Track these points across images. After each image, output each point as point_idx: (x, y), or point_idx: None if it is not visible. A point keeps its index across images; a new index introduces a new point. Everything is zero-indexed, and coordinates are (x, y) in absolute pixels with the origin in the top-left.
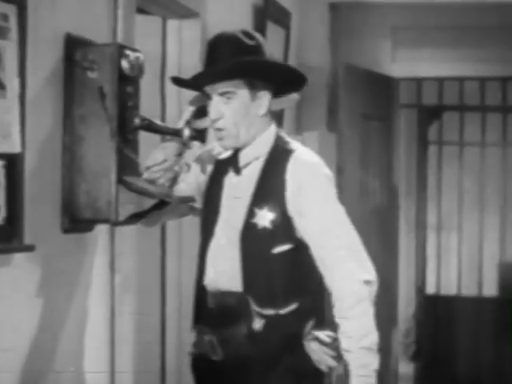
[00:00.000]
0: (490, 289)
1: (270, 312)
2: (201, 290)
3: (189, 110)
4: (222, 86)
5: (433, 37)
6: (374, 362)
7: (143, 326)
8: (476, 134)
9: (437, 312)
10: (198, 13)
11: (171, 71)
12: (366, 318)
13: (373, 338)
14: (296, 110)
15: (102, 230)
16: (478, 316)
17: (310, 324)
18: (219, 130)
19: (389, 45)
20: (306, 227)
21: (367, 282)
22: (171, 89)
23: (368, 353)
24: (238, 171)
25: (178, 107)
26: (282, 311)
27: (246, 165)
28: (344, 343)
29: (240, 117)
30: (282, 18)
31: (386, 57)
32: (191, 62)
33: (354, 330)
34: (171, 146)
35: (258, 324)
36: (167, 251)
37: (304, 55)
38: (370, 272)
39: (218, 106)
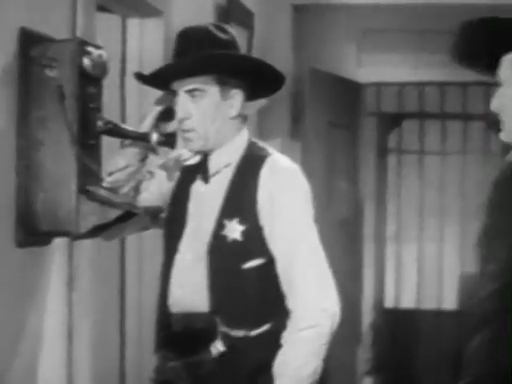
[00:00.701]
0: (451, 302)
1: (239, 333)
2: (164, 312)
3: (154, 111)
4: (190, 83)
5: (398, 41)
6: None
7: (102, 347)
8: (436, 142)
9: (396, 326)
10: (161, 11)
11: (132, 72)
12: (311, 347)
13: (311, 367)
14: (257, 116)
15: (58, 243)
16: (437, 330)
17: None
18: (186, 130)
19: (354, 49)
20: (273, 238)
21: (327, 311)
22: (132, 90)
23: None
24: (206, 179)
25: (139, 110)
26: (253, 333)
27: (216, 172)
28: (278, 366)
29: (209, 117)
30: (246, 20)
31: (352, 61)
32: (153, 63)
33: (293, 357)
34: (134, 151)
35: (223, 347)
36: (126, 267)
37: (267, 58)
38: (332, 300)
39: (185, 104)
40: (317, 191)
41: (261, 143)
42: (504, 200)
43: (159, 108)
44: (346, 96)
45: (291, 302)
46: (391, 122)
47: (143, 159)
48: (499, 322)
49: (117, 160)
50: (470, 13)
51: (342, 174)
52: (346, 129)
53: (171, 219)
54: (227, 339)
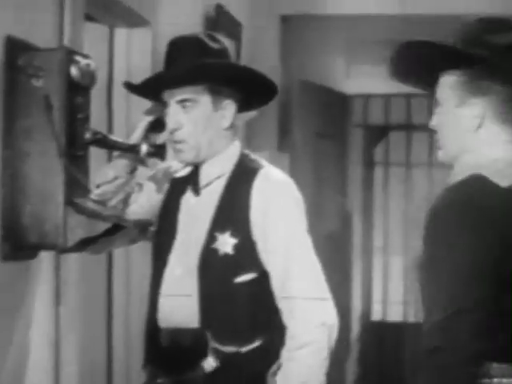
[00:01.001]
0: None
1: (230, 349)
2: (153, 327)
3: (144, 122)
4: (181, 92)
5: (386, 52)
6: None
7: (89, 361)
8: (423, 154)
9: (383, 339)
10: (149, 21)
11: (119, 82)
12: (313, 362)
13: (316, 382)
14: (245, 128)
15: (45, 257)
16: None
17: (277, 366)
18: (177, 141)
19: (342, 60)
20: (267, 252)
21: (326, 325)
22: (119, 101)
23: None
24: (197, 191)
25: (127, 121)
26: (245, 348)
27: (207, 184)
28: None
29: (201, 128)
30: (234, 30)
31: (339, 72)
32: (141, 73)
33: (296, 374)
34: (123, 163)
35: (214, 363)
36: (114, 280)
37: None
38: (330, 314)
39: (176, 114)
40: (305, 203)
41: (253, 155)
42: (440, 230)
43: (149, 119)
44: (334, 107)
45: (288, 318)
46: (378, 133)
47: (132, 171)
48: (442, 355)
49: (105, 172)
50: (459, 23)
51: (330, 186)
52: (334, 140)
53: (160, 232)
54: (219, 355)
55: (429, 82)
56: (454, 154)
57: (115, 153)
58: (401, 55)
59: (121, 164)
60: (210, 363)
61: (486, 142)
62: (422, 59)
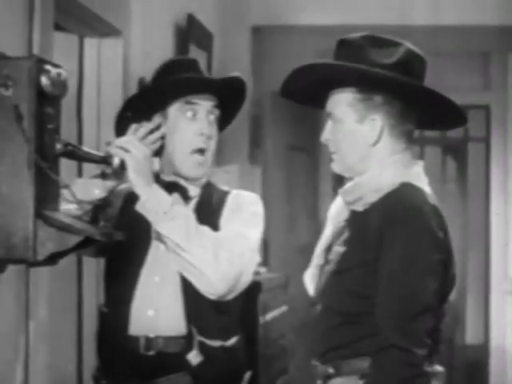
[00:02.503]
0: None
1: (216, 343)
2: (122, 338)
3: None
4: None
5: None
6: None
7: (59, 376)
8: None
9: None
10: (120, 31)
11: (89, 92)
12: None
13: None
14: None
15: (14, 271)
16: None
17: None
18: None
19: None
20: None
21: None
22: (89, 111)
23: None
24: (188, 197)
25: (97, 132)
26: (229, 342)
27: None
28: None
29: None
30: (205, 41)
31: None
32: (111, 83)
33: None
34: (110, 183)
35: (199, 356)
36: (84, 294)
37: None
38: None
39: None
40: (277, 217)
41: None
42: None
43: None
44: (306, 120)
45: None
46: None
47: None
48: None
49: (90, 189)
50: (430, 32)
51: (302, 200)
52: (306, 153)
53: (131, 242)
54: (204, 349)
55: (318, 100)
56: (352, 166)
57: (87, 165)
58: (294, 78)
59: (105, 184)
60: (195, 356)
61: (385, 153)
62: (313, 80)
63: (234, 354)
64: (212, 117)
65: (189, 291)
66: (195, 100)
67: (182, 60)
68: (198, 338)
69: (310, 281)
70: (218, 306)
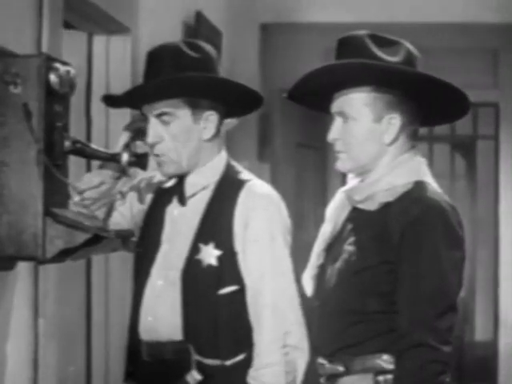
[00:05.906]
0: None
1: (214, 362)
2: (134, 340)
3: (125, 135)
4: (159, 107)
5: None
6: None
7: (68, 373)
8: None
9: None
10: (128, 28)
11: (98, 89)
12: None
13: None
14: (225, 138)
15: (23, 268)
16: None
17: None
18: (157, 155)
19: None
20: (244, 266)
21: (289, 347)
22: (98, 109)
23: None
24: (183, 201)
25: (106, 129)
26: (229, 362)
27: (193, 195)
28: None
29: (181, 141)
30: (213, 38)
31: None
32: (120, 80)
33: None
34: (107, 171)
35: (198, 376)
36: (93, 291)
37: (234, 78)
38: (298, 337)
39: (155, 128)
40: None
41: (239, 166)
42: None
43: (128, 133)
44: (315, 117)
45: (256, 336)
46: None
47: (118, 177)
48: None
49: (90, 178)
50: (439, 30)
51: (311, 196)
52: (315, 150)
53: (144, 242)
54: (202, 368)
55: (325, 103)
56: (363, 165)
57: (95, 162)
58: (308, 81)
59: (106, 172)
60: (194, 377)
61: (396, 152)
62: (327, 82)
63: (235, 373)
64: (159, 122)
65: (188, 304)
66: (144, 111)
67: (152, 55)
68: (196, 357)
69: (309, 281)
70: (217, 324)
